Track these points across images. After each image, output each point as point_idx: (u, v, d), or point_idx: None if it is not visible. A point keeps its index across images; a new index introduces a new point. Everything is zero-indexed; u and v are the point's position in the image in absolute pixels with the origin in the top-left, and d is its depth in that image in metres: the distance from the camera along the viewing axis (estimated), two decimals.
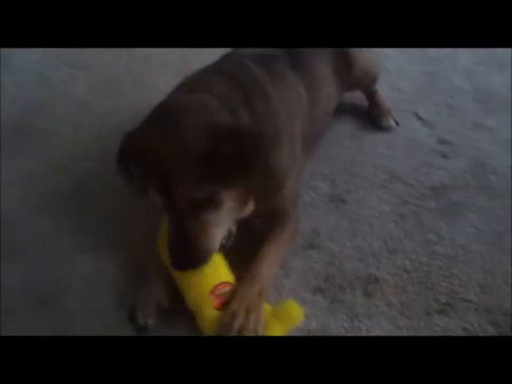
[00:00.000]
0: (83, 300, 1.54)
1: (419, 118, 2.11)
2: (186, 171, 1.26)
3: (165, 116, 1.34)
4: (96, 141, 2.06)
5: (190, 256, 1.34)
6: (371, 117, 2.08)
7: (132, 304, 1.46)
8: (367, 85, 2.07)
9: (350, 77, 1.93)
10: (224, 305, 1.39)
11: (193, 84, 1.49)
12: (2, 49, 2.37)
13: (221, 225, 1.38)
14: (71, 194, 1.87)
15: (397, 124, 2.06)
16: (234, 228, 1.45)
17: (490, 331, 1.42)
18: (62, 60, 2.45)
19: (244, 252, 1.52)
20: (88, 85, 2.32)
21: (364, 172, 1.90)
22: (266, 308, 1.41)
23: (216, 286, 1.41)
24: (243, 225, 1.50)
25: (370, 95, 2.08)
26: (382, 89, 2.14)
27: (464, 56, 2.43)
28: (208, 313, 1.39)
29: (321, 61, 1.81)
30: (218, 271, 1.45)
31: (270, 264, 1.50)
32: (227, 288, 1.42)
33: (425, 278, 1.57)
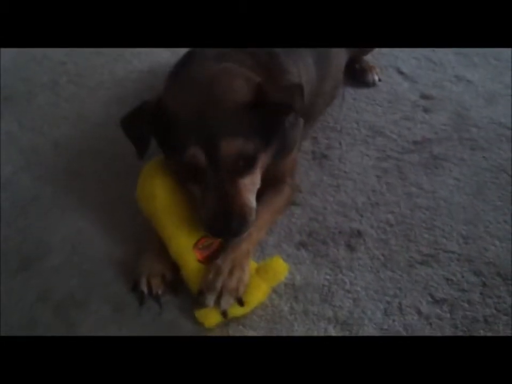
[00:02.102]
0: (66, 260, 1.54)
1: (400, 72, 2.11)
2: (233, 123, 1.28)
3: (198, 78, 1.36)
4: (73, 102, 2.03)
5: (235, 221, 1.32)
6: (354, 72, 2.07)
7: (135, 275, 1.43)
8: None
9: None
10: (207, 259, 1.39)
11: (216, 55, 1.48)
12: None
13: (254, 189, 1.40)
14: (48, 157, 1.85)
15: (380, 79, 2.05)
16: None
17: (473, 280, 1.44)
18: None
19: None
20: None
21: (346, 127, 1.90)
22: (251, 264, 1.41)
23: (200, 239, 1.40)
24: None
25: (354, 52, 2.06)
26: None
27: None
28: (192, 266, 1.38)
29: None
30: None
31: (260, 226, 1.50)
32: (210, 241, 1.41)
33: (408, 231, 1.58)
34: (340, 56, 1.88)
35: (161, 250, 1.44)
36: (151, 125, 1.34)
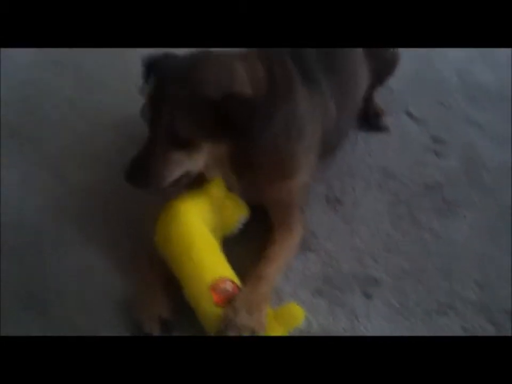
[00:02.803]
0: (77, 300, 1.54)
1: (411, 116, 2.12)
2: (189, 110, 1.38)
3: (199, 57, 1.47)
4: (82, 139, 2.05)
5: (145, 175, 1.42)
6: (366, 117, 2.08)
7: (135, 317, 1.45)
8: (390, 74, 2.04)
9: (376, 66, 1.91)
10: (224, 302, 1.38)
11: (234, 54, 1.54)
12: None
13: (182, 167, 1.45)
14: (64, 198, 1.85)
15: (391, 123, 2.07)
16: (192, 174, 1.49)
17: (490, 329, 1.44)
18: (50, 60, 2.42)
19: (247, 249, 1.57)
20: (76, 83, 2.29)
21: (359, 172, 1.91)
22: (268, 310, 1.41)
23: (216, 280, 1.40)
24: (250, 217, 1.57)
25: (367, 95, 2.07)
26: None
27: (454, 53, 2.44)
28: (208, 309, 1.38)
29: (355, 62, 1.82)
30: (218, 266, 1.45)
31: (276, 267, 1.51)
32: (228, 285, 1.41)
33: (424, 278, 1.59)
34: (358, 90, 1.89)
35: (157, 289, 1.48)
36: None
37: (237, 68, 1.46)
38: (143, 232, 1.61)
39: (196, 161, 1.46)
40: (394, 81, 2.19)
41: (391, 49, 1.95)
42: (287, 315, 1.40)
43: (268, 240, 1.57)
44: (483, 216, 1.76)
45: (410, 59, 2.35)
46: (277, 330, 1.38)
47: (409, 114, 2.12)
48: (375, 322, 1.48)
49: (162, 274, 1.50)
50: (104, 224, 1.76)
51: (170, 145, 1.41)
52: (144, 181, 1.43)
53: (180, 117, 1.38)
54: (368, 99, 2.07)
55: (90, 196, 1.84)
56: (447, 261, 1.63)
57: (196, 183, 1.56)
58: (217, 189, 1.57)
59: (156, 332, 1.42)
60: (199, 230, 1.48)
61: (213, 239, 1.50)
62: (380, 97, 2.14)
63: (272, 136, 1.47)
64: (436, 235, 1.70)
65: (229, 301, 1.39)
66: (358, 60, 1.83)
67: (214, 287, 1.39)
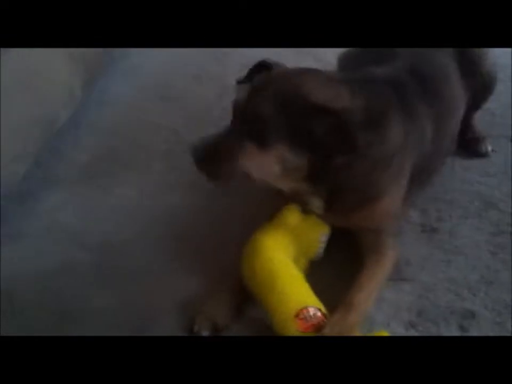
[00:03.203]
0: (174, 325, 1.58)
1: None
2: (274, 112, 1.35)
3: (303, 72, 1.46)
4: (188, 170, 2.11)
5: (216, 165, 1.43)
6: (465, 142, 2.01)
7: (191, 314, 1.53)
8: (488, 95, 1.98)
9: (474, 88, 1.86)
10: (310, 329, 1.38)
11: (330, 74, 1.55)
12: (99, 84, 2.50)
13: (255, 164, 1.41)
14: (165, 223, 1.92)
15: (493, 150, 1.99)
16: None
17: None
18: (154, 91, 2.54)
19: (336, 276, 1.58)
20: (179, 115, 2.39)
21: (456, 199, 1.85)
22: None
23: (301, 309, 1.40)
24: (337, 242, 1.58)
25: (465, 119, 1.99)
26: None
27: None
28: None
29: (452, 84, 1.77)
30: (302, 296, 1.46)
31: (367, 295, 1.48)
32: (312, 312, 1.40)
33: None
34: (458, 115, 1.83)
35: (225, 299, 1.55)
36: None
37: (342, 89, 1.43)
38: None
39: (269, 163, 1.42)
40: (496, 105, 2.12)
41: (488, 71, 1.88)
42: None
43: (358, 266, 1.55)
44: None
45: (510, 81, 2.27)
46: None
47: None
48: None
49: (238, 291, 1.56)
50: (197, 247, 1.81)
51: (249, 138, 1.39)
52: (215, 173, 1.45)
53: (270, 111, 1.36)
54: (467, 123, 2.01)
55: (191, 224, 1.90)
56: None
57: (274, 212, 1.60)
58: (292, 216, 1.58)
59: (203, 332, 1.48)
60: (282, 263, 1.51)
61: (296, 271, 1.52)
62: (481, 122, 2.07)
63: (362, 162, 1.44)
64: None
65: (314, 328, 1.38)
66: (455, 81, 1.78)
67: (299, 315, 1.39)
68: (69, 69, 2.20)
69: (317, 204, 1.56)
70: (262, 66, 1.53)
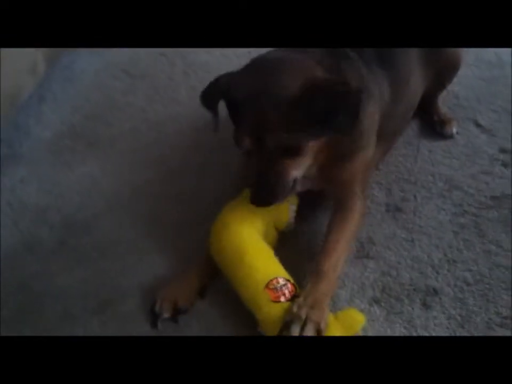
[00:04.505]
0: (140, 307, 1.58)
1: (478, 125, 2.04)
2: (280, 118, 1.36)
3: (264, 64, 1.45)
4: (153, 148, 2.10)
5: (270, 191, 1.44)
6: (430, 124, 2.03)
7: (154, 296, 1.54)
8: (452, 74, 2.00)
9: (437, 65, 1.87)
10: (281, 298, 1.40)
11: (292, 50, 1.53)
12: (64, 60, 2.45)
13: (298, 170, 1.46)
14: (129, 201, 1.91)
15: (457, 132, 2.01)
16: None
17: None
18: (120, 68, 2.50)
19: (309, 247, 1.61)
20: (145, 93, 2.36)
21: (421, 180, 1.86)
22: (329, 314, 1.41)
23: (270, 280, 1.42)
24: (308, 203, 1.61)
25: (431, 101, 2.03)
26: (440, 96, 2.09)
27: None
28: (266, 307, 1.40)
29: (411, 56, 1.79)
30: (271, 268, 1.47)
31: (335, 260, 1.50)
32: (282, 282, 1.43)
33: (486, 290, 1.53)
34: (417, 84, 1.85)
35: (188, 280, 1.57)
36: (220, 99, 1.47)
37: (308, 62, 1.44)
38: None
39: (306, 164, 1.47)
40: (461, 88, 2.14)
41: (452, 50, 1.90)
42: (349, 318, 1.41)
43: (327, 228, 1.58)
44: None
45: (477, 65, 2.30)
46: (338, 332, 1.37)
47: (476, 123, 2.05)
48: (433, 333, 1.43)
49: (203, 273, 1.59)
50: (163, 226, 1.80)
51: (281, 157, 1.41)
52: (272, 200, 1.46)
53: (278, 129, 1.37)
54: (432, 105, 2.04)
55: (159, 201, 1.90)
56: (511, 274, 1.56)
57: None
58: None
59: (165, 314, 1.50)
60: (250, 237, 1.52)
61: (264, 244, 1.53)
62: (445, 105, 2.09)
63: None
64: (501, 247, 1.64)
65: (285, 298, 1.40)
66: (413, 59, 1.80)
67: (268, 285, 1.41)
68: None
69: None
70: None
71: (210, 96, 1.50)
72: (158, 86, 2.38)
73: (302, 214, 1.66)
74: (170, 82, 2.39)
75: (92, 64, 2.53)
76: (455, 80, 2.03)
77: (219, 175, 1.92)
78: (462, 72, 2.02)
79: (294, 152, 1.41)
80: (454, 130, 2.01)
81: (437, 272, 1.58)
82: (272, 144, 1.39)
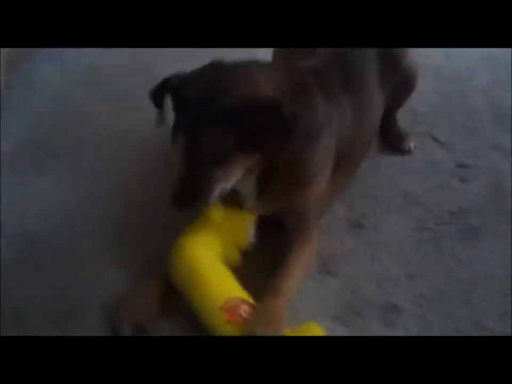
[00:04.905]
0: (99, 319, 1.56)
1: (436, 140, 2.08)
2: (216, 123, 1.38)
3: (217, 69, 1.48)
4: (114, 157, 2.08)
5: (190, 196, 1.43)
6: (388, 139, 2.06)
7: (114, 314, 1.52)
8: (408, 91, 2.02)
9: (394, 83, 1.89)
10: (237, 319, 1.39)
11: (247, 62, 1.55)
12: (24, 68, 2.40)
13: (224, 182, 1.45)
14: (91, 212, 1.88)
15: (415, 146, 2.04)
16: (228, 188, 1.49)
17: None
18: (80, 77, 2.46)
19: (264, 267, 1.59)
20: (106, 103, 2.32)
21: (381, 195, 1.89)
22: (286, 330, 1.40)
23: (226, 301, 1.42)
24: (265, 229, 1.61)
25: (388, 116, 2.04)
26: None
27: (481, 75, 2.40)
28: (222, 328, 1.39)
29: (372, 77, 1.81)
30: (227, 289, 1.48)
31: (292, 280, 1.51)
32: (238, 302, 1.43)
33: (445, 306, 1.56)
34: (377, 107, 1.87)
35: (149, 298, 1.54)
36: (167, 94, 1.51)
37: (259, 78, 1.46)
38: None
39: (234, 177, 1.46)
40: (418, 104, 2.18)
41: (408, 67, 1.92)
42: (308, 333, 1.39)
43: (282, 252, 1.58)
44: (507, 244, 1.73)
45: (434, 81, 2.34)
46: None
47: (434, 138, 2.09)
48: None
49: (162, 291, 1.56)
50: (124, 237, 1.79)
51: (210, 165, 1.41)
52: (191, 203, 1.45)
53: (213, 134, 1.39)
54: (390, 121, 2.06)
55: (121, 210, 1.88)
56: (469, 289, 1.60)
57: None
58: (215, 211, 1.59)
59: (125, 333, 1.47)
60: (205, 260, 1.53)
61: (221, 266, 1.54)
62: (403, 120, 2.12)
63: (294, 142, 1.46)
64: (459, 262, 1.67)
65: (242, 317, 1.39)
66: (373, 78, 1.82)
67: (224, 307, 1.41)
68: None
69: (251, 190, 1.58)
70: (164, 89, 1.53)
71: (159, 91, 1.53)
72: (119, 95, 2.35)
73: (263, 231, 1.65)
74: (133, 91, 2.36)
75: (52, 72, 2.47)
76: (412, 95, 2.06)
77: None
78: (420, 87, 2.06)
79: (224, 161, 1.42)
80: (412, 145, 2.04)
81: (397, 288, 1.60)
82: (205, 147, 1.40)
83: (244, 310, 1.41)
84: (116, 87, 2.39)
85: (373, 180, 1.94)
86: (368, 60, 1.82)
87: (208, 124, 1.39)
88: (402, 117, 2.12)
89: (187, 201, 1.44)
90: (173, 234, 1.59)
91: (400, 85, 1.94)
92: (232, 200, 1.59)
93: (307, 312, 1.54)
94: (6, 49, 2.16)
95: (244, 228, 1.62)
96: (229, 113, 1.37)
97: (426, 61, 2.22)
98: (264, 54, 1.85)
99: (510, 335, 1.47)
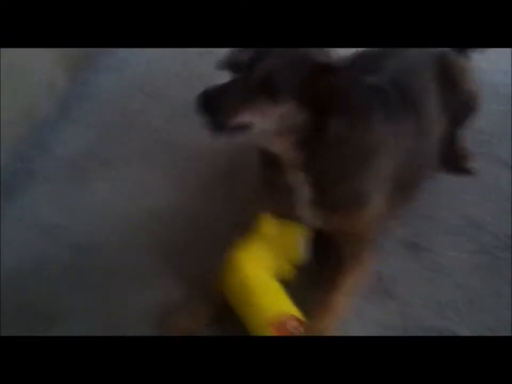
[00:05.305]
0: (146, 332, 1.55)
1: (501, 161, 2.01)
2: (281, 59, 1.38)
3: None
4: (167, 169, 2.08)
5: (216, 103, 1.36)
6: (450, 159, 2.00)
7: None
8: (470, 113, 1.95)
9: (455, 105, 1.85)
10: (284, 335, 1.38)
11: None
12: (82, 76, 2.44)
13: (257, 116, 1.37)
14: (139, 225, 1.88)
15: (477, 167, 1.98)
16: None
17: None
18: (137, 87, 2.49)
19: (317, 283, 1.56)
20: (160, 114, 2.34)
21: (439, 216, 1.83)
22: None
23: (275, 317, 1.41)
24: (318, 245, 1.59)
25: (451, 136, 1.97)
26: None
27: None
28: None
29: (432, 99, 1.77)
30: (277, 305, 1.47)
31: (344, 298, 1.50)
32: (287, 319, 1.41)
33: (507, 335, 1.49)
34: (438, 130, 1.82)
35: (199, 311, 1.54)
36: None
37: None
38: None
39: (269, 116, 1.38)
40: (483, 124, 2.10)
41: (469, 89, 1.87)
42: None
43: (335, 269, 1.56)
44: None
45: (497, 99, 2.27)
46: None
47: (499, 159, 2.02)
48: None
49: (213, 304, 1.55)
50: (174, 251, 1.77)
51: (254, 87, 1.36)
52: (214, 110, 1.36)
53: (279, 64, 1.37)
54: (452, 141, 1.99)
55: (171, 225, 1.86)
56: None
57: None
58: (267, 225, 1.59)
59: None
60: (257, 277, 1.52)
61: (271, 281, 1.54)
62: (467, 140, 2.05)
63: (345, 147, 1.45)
64: None
65: (291, 334, 1.39)
66: (433, 101, 1.78)
67: (273, 323, 1.40)
68: (51, 59, 2.14)
69: (305, 193, 1.53)
70: None
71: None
72: (173, 107, 2.36)
73: (315, 247, 1.64)
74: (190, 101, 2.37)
75: (109, 82, 2.52)
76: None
77: (235, 201, 1.89)
78: (484, 106, 1.98)
79: (269, 97, 1.36)
80: (474, 165, 1.97)
81: (456, 314, 1.55)
82: (261, 70, 1.36)
83: (293, 326, 1.40)
84: (169, 97, 2.41)
85: (433, 202, 1.88)
86: (428, 82, 1.79)
87: (274, 55, 1.38)
88: (467, 136, 2.05)
89: (213, 106, 1.35)
90: (225, 246, 1.58)
91: (462, 107, 1.90)
92: (286, 211, 1.57)
93: (360, 331, 1.51)
94: (65, 58, 2.19)
95: (296, 242, 1.60)
96: (309, 62, 1.38)
97: (495, 78, 2.17)
98: None
99: None
